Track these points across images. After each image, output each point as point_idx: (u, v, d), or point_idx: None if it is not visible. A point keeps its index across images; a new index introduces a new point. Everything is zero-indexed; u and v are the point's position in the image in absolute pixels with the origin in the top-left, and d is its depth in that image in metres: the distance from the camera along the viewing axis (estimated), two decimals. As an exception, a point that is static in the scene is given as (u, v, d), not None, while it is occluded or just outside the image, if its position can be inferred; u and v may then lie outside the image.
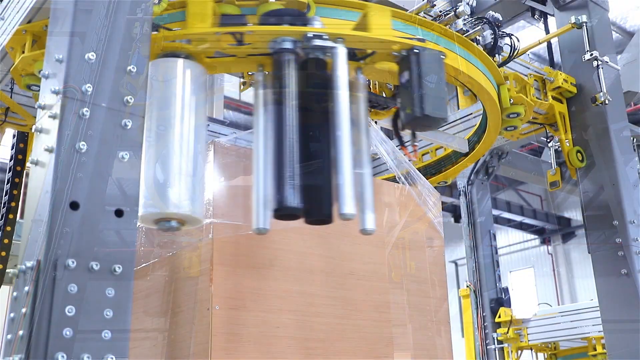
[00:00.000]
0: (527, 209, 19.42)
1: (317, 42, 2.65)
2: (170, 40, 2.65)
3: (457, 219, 17.83)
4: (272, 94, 2.66)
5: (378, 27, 2.87)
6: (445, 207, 17.77)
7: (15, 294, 1.92)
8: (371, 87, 3.74)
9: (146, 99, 2.22)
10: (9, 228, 4.03)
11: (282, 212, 2.58)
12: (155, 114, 2.58)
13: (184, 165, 2.55)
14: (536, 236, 20.81)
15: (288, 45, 2.66)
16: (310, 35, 2.65)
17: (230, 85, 15.63)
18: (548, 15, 5.29)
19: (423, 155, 5.22)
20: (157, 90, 2.61)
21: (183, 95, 2.66)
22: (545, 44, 5.11)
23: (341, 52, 2.68)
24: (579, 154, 4.51)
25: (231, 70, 2.82)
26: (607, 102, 4.35)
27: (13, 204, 4.04)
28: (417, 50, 2.78)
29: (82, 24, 2.06)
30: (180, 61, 2.69)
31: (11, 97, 3.97)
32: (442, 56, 2.81)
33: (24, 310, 1.82)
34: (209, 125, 5.27)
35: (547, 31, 5.21)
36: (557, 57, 5.10)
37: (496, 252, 9.54)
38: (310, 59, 2.69)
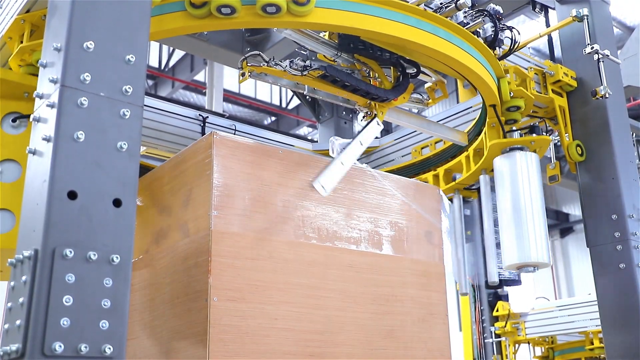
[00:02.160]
0: (526, 204, 19.39)
1: None
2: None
3: (456, 213, 17.85)
4: None
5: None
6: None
7: (12, 283, 1.91)
8: (371, 79, 3.73)
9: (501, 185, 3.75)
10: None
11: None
12: (512, 195, 4.02)
13: (538, 226, 3.95)
14: (534, 231, 20.79)
15: None
16: None
17: (230, 78, 15.61)
18: (549, 9, 5.28)
19: (422, 148, 5.21)
20: (520, 176, 4.05)
21: (535, 178, 4.05)
22: (545, 38, 5.10)
23: None
24: (578, 147, 4.50)
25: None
26: (607, 95, 4.33)
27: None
28: None
29: (81, 12, 2.05)
30: (532, 154, 4.11)
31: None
32: None
33: (21, 299, 1.82)
34: (227, 116, 5.30)
35: (547, 25, 5.19)
36: (557, 52, 5.08)
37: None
38: None
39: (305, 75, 3.33)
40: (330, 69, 3.31)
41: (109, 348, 1.82)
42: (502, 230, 4.03)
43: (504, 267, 4.03)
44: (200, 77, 16.59)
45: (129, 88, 2.06)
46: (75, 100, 1.96)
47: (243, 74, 3.32)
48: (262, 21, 2.97)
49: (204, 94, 15.87)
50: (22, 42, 2.99)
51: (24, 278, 1.83)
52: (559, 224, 20.33)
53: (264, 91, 18.22)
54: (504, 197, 4.05)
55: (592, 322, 7.46)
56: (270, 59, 3.34)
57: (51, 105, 1.96)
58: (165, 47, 16.26)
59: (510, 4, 5.40)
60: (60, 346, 1.75)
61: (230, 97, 17.08)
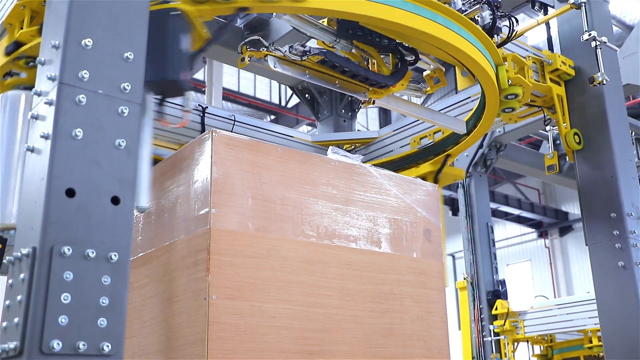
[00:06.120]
0: (525, 203, 19.49)
1: None
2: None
3: (455, 211, 17.90)
4: None
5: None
6: (443, 200, 17.81)
7: (10, 281, 1.91)
8: (369, 65, 3.71)
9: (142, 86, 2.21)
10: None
11: None
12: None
13: None
14: (533, 229, 20.88)
15: None
16: None
17: (229, 76, 15.58)
18: (548, 7, 5.28)
19: (421, 139, 5.17)
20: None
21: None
22: (545, 36, 5.10)
23: None
24: (576, 136, 4.50)
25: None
26: (604, 82, 4.34)
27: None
28: None
29: (79, 9, 2.05)
30: None
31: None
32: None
33: (19, 297, 1.81)
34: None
35: (547, 24, 5.19)
36: (557, 49, 5.09)
37: (493, 245, 9.55)
38: None
39: (304, 60, 3.32)
40: (329, 54, 3.31)
41: (107, 346, 1.82)
42: None
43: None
44: (199, 75, 16.57)
45: (128, 85, 2.06)
46: (73, 97, 1.96)
47: (243, 59, 3.32)
48: (261, 6, 2.96)
49: (203, 92, 15.84)
50: (22, 28, 2.98)
51: (22, 276, 1.83)
52: (558, 222, 20.35)
53: (263, 90, 18.20)
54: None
55: (590, 320, 7.47)
56: (269, 44, 3.35)
57: (49, 103, 1.95)
58: (164, 45, 16.20)
59: (510, 2, 5.40)
60: (59, 344, 1.74)
61: (229, 95, 17.07)
